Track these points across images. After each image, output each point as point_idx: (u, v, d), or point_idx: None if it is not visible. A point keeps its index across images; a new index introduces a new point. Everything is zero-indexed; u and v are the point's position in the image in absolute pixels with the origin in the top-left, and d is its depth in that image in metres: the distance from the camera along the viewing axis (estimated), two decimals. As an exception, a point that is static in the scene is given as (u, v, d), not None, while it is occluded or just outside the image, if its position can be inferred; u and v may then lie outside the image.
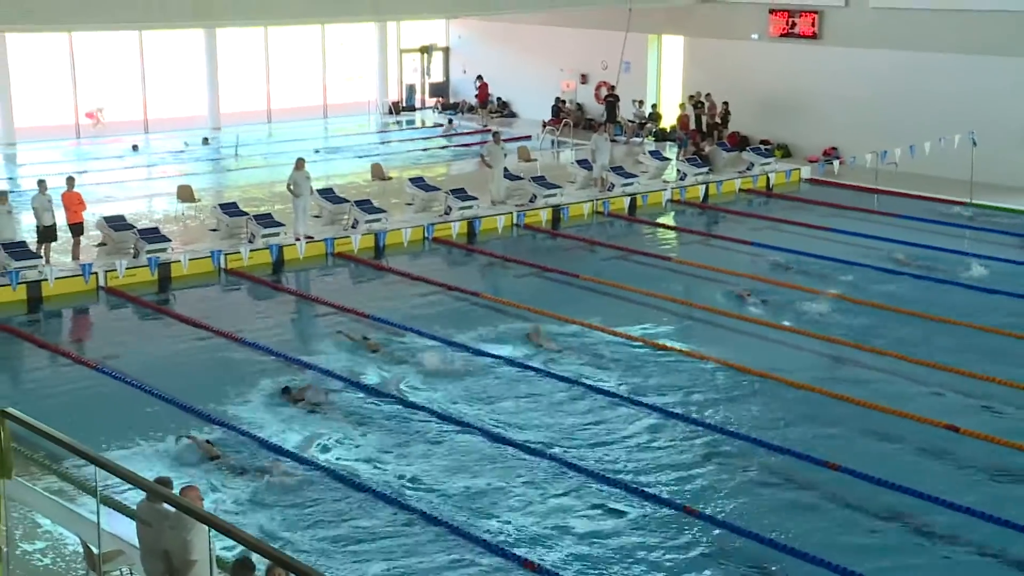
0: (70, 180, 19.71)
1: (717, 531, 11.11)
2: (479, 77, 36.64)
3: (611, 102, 32.31)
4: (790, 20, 29.24)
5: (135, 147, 30.18)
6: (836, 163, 26.57)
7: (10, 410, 7.43)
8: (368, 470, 12.28)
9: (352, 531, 11.00)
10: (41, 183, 19.25)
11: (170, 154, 29.78)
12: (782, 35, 29.47)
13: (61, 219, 19.31)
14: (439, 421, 13.48)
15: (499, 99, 36.36)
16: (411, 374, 14.95)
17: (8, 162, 28.64)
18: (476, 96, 36.44)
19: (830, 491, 11.98)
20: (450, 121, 35.05)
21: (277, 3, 24.38)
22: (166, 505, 7.50)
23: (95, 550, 8.44)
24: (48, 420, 7.66)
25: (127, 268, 18.62)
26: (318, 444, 12.85)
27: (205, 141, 31.02)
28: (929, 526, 11.28)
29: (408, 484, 11.96)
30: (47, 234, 19.00)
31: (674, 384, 14.81)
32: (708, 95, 29.88)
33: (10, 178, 26.37)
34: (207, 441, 12.58)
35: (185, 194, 23.17)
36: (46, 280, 18.05)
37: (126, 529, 8.64)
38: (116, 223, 20.13)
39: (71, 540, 10.00)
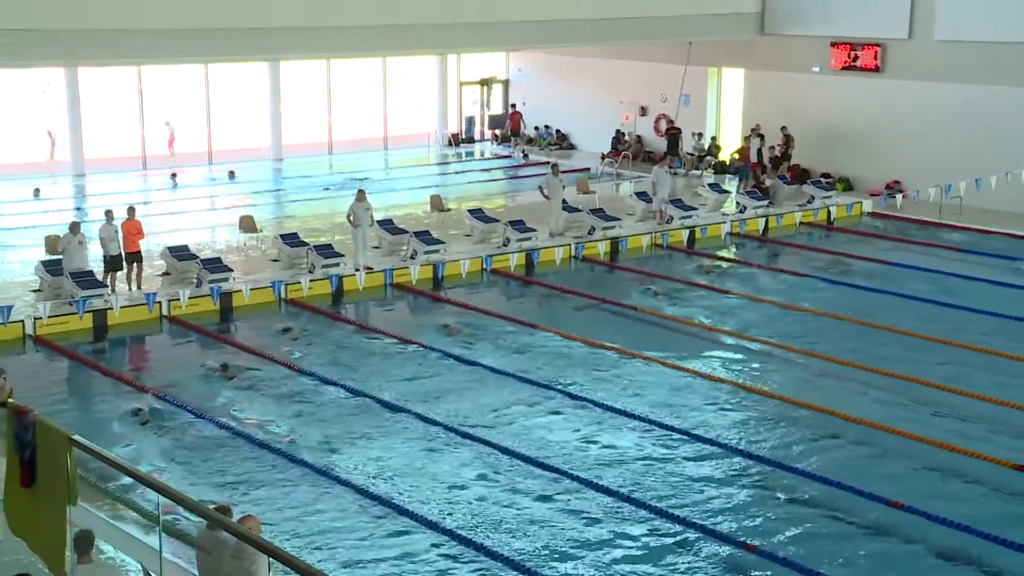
0: (131, 209, 20.10)
1: (778, 569, 10.97)
2: (512, 105, 36.96)
3: (673, 135, 32.31)
4: (852, 53, 29.07)
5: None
6: (899, 197, 26.30)
7: (76, 437, 7.55)
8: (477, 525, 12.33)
9: None
10: (108, 213, 19.65)
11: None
12: (844, 68, 29.29)
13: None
14: (493, 453, 13.53)
15: (558, 131, 36.52)
16: (471, 411, 15.02)
17: (78, 193, 29.24)
18: (509, 125, 36.88)
19: (893, 530, 11.80)
20: (525, 155, 35.16)
21: (339, 36, 24.73)
22: (226, 534, 7.58)
23: (156, 577, 8.54)
24: (111, 447, 7.79)
25: (190, 297, 18.90)
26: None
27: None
28: (995, 569, 11.07)
29: (467, 521, 12.00)
30: (113, 264, 19.37)
31: (732, 418, 14.75)
32: (783, 128, 29.61)
33: (78, 208, 26.94)
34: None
35: (247, 225, 23.51)
36: (111, 309, 18.38)
37: (187, 557, 8.74)
38: (180, 253, 20.48)
39: (132, 567, 10.12)
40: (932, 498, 12.30)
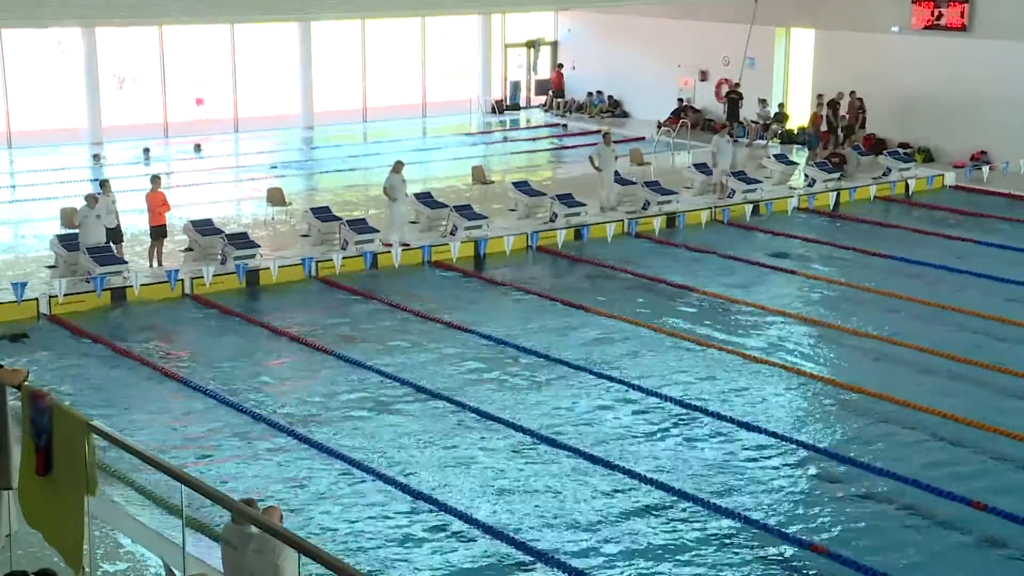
0: (155, 179, 20.27)
1: (846, 571, 10.93)
2: (560, 65, 37.03)
3: (733, 100, 32.04)
4: (936, 10, 28.63)
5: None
6: (986, 169, 25.93)
7: (95, 423, 7.64)
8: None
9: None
10: (104, 184, 19.88)
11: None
12: (926, 27, 28.87)
13: (126, 219, 19.96)
14: (569, 456, 13.62)
15: (610, 97, 36.37)
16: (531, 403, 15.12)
17: (95, 162, 29.53)
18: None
19: (976, 531, 11.73)
20: (564, 127, 35.18)
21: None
22: (253, 527, 7.67)
23: (177, 573, 8.64)
24: (131, 432, 7.89)
25: (214, 275, 19.07)
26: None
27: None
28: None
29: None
30: (112, 236, 19.46)
31: (801, 410, 14.73)
32: (852, 92, 29.25)
33: (95, 179, 27.21)
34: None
35: (275, 197, 23.64)
36: (131, 286, 18.57)
37: (210, 551, 8.85)
38: (203, 227, 20.62)
39: (152, 561, 10.26)
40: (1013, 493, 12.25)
